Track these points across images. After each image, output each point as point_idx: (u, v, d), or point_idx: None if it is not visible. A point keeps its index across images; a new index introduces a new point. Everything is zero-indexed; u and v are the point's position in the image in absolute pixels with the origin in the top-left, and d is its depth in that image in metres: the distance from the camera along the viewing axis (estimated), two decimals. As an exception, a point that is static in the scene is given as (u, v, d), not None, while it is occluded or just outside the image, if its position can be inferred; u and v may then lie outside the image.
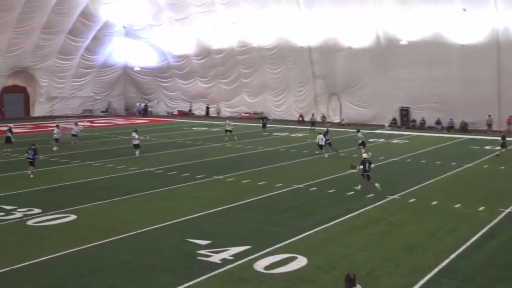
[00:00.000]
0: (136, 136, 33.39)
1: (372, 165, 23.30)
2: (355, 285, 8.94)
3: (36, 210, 19.12)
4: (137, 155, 32.69)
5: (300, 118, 57.57)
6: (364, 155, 24.15)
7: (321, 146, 33.74)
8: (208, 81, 66.38)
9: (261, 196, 21.78)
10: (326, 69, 56.62)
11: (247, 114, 63.39)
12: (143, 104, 69.35)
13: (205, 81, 66.64)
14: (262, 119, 49.35)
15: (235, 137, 40.95)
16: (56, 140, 36.01)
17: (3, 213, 18.70)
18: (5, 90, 60.65)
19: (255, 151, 35.69)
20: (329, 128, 41.31)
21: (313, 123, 50.59)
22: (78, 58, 64.21)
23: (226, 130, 42.04)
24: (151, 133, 45.89)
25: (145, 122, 57.80)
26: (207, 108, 66.54)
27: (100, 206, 20.15)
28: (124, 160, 31.34)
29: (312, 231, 16.78)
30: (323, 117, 57.43)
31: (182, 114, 67.20)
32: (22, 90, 62.60)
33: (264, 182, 24.61)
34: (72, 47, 62.49)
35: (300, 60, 58.07)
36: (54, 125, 38.21)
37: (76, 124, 39.37)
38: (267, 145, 37.95)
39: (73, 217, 18.36)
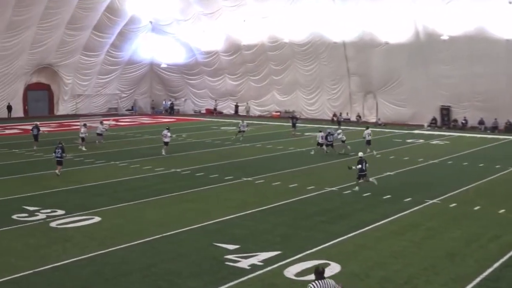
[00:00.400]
0: (169, 134, 34.22)
1: (368, 165, 23.79)
2: (323, 278, 9.54)
3: (60, 212, 19.41)
4: (163, 153, 33.26)
5: (334, 118, 57.30)
6: (360, 154, 24.64)
7: (320, 144, 34.71)
8: (237, 78, 66.55)
9: (292, 199, 21.74)
10: (362, 65, 56.25)
11: (278, 113, 63.37)
12: (169, 102, 69.87)
13: (234, 78, 66.83)
14: (292, 118, 49.36)
15: (240, 138, 41.03)
16: (83, 139, 36.56)
17: (26, 214, 19.04)
18: (29, 88, 61.74)
19: (286, 152, 35.64)
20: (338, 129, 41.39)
21: (339, 122, 50.44)
22: (103, 55, 65.02)
23: (240, 131, 42.05)
24: (178, 132, 46.19)
25: (172, 121, 58.22)
26: (236, 106, 66.70)
27: (125, 208, 20.36)
28: (150, 160, 31.62)
29: (345, 237, 16.68)
30: (358, 116, 57.08)
31: (210, 112, 67.49)
32: (46, 88, 63.67)
33: (295, 185, 24.56)
34: (97, 43, 63.29)
35: (334, 56, 57.80)
36: (82, 124, 38.76)
37: (101, 122, 39.91)
38: (299, 146, 37.87)
39: (97, 219, 18.59)
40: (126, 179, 25.97)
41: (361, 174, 23.58)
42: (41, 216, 18.87)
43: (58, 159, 26.90)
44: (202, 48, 66.80)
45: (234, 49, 64.61)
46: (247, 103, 65.86)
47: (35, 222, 18.10)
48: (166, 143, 34.09)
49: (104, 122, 41.31)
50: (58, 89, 63.98)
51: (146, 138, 42.75)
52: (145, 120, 60.85)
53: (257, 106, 66.04)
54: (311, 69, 60.22)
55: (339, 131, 37.39)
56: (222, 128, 51.23)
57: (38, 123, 38.99)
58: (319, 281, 9.51)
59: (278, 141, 40.65)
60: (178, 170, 28.29)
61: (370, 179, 23.64)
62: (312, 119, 59.06)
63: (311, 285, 9.45)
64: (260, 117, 63.10)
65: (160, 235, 16.66)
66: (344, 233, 16.98)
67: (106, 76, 67.25)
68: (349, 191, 23.22)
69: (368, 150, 34.41)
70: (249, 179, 25.91)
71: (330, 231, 17.24)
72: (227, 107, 68.66)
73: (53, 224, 17.85)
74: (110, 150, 36.00)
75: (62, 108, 64.37)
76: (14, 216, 18.73)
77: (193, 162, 30.76)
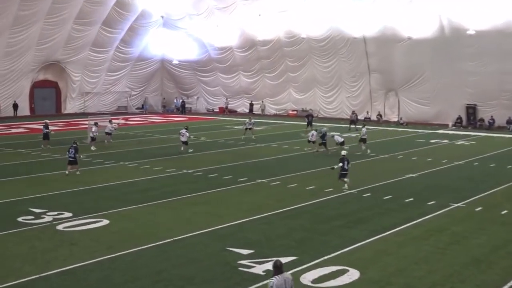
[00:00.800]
0: (187, 134, 34.85)
1: (350, 165, 24.26)
2: (282, 272, 9.89)
3: (67, 214, 19.54)
4: (182, 150, 34.30)
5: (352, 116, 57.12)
6: (343, 152, 25.19)
7: (311, 142, 35.48)
8: (252, 75, 66.61)
9: (309, 202, 21.72)
10: (383, 62, 56.05)
11: (295, 112, 63.33)
12: (181, 101, 70.05)
13: (249, 76, 66.91)
14: (307, 116, 49.44)
15: (253, 136, 41.33)
16: (93, 139, 36.73)
17: (31, 217, 19.19)
18: (35, 85, 62.22)
19: (303, 152, 35.61)
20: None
21: (352, 121, 50.24)
22: (112, 51, 65.39)
23: (246, 129, 42.26)
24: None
25: (184, 120, 58.41)
26: (251, 105, 66.71)
27: (134, 210, 20.46)
28: (161, 160, 31.75)
29: (365, 242, 16.63)
30: (379, 115, 56.89)
31: (223, 111, 67.57)
32: (53, 85, 64.16)
33: (312, 187, 24.54)
34: (107, 38, 63.66)
35: (353, 52, 57.67)
36: (92, 122, 39.01)
37: (110, 121, 40.12)
38: (317, 146, 37.76)
39: (106, 222, 18.69)
40: (135, 181, 26.10)
41: (343, 173, 24.05)
42: (47, 218, 19.01)
43: (70, 159, 27.29)
44: (215, 44, 66.93)
45: (249, 44, 64.66)
46: (262, 102, 65.87)
47: (41, 225, 18.23)
48: (184, 143, 34.67)
49: (113, 121, 41.50)
50: (66, 87, 64.42)
51: (157, 137, 42.91)
52: (156, 119, 61.10)
53: (273, 104, 66.05)
54: (330, 65, 60.13)
55: (335, 133, 37.32)
56: (236, 127, 51.29)
57: (48, 121, 39.30)
58: (279, 275, 9.86)
59: (295, 141, 40.61)
60: (189, 171, 28.37)
61: (346, 185, 23.95)
62: (331, 118, 58.95)
63: (271, 280, 9.79)
64: (276, 116, 63.10)
65: (171, 239, 16.72)
66: (363, 238, 16.92)
67: (116, 73, 67.64)
68: (368, 194, 23.15)
69: (363, 147, 35.27)
70: (264, 180, 25.92)
71: (349, 236, 17.19)
72: (241, 105, 68.72)
73: (60, 227, 17.97)
74: (120, 150, 36.19)
75: (70, 106, 64.81)
76: (20, 219, 18.89)
77: (206, 163, 30.84)
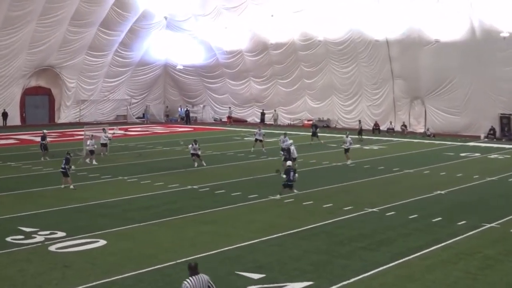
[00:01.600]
0: (197, 147, 35.30)
1: (297, 175, 25.80)
2: (197, 273, 10.69)
3: (60, 234, 19.56)
4: (196, 166, 34.61)
5: (375, 127, 57.10)
6: (289, 163, 26.82)
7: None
8: (264, 81, 66.80)
9: (326, 222, 21.64)
10: (408, 67, 56.00)
11: (311, 122, 63.28)
12: (185, 109, 70.25)
13: (260, 82, 67.10)
14: (312, 126, 49.66)
15: (263, 150, 41.07)
16: (92, 152, 36.75)
17: (21, 236, 19.23)
18: (27, 92, 62.72)
19: (320, 167, 35.57)
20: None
21: (360, 131, 50.51)
22: (111, 55, 65.83)
23: (257, 140, 42.45)
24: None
25: (188, 131, 58.56)
26: (262, 114, 66.84)
27: (134, 229, 20.47)
28: (163, 175, 31.79)
29: (388, 266, 16.54)
30: (403, 125, 56.79)
31: (233, 121, 67.63)
32: (46, 92, 64.66)
33: (330, 205, 24.47)
34: (105, 41, 64.10)
35: (375, 56, 57.70)
36: (89, 134, 39.16)
37: (104, 130, 40.18)
38: (334, 159, 37.75)
39: (102, 242, 18.70)
40: (135, 197, 26.12)
41: (288, 184, 25.56)
42: (38, 238, 19.04)
43: (61, 170, 27.87)
44: (223, 47, 67.23)
45: (261, 48, 64.88)
46: (274, 111, 65.96)
47: (32, 246, 18.26)
48: (195, 155, 35.02)
49: (108, 130, 41.51)
50: (60, 94, 64.86)
51: (159, 150, 43.01)
52: (158, 129, 61.31)
53: (287, 113, 66.15)
54: (349, 71, 60.17)
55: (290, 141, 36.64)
56: (246, 139, 51.30)
57: (45, 131, 39.44)
58: (193, 277, 10.64)
59: (311, 154, 40.56)
60: (195, 186, 28.38)
61: (295, 191, 25.65)
62: (350, 128, 58.87)
63: (185, 282, 10.55)
64: (290, 126, 63.14)
65: (174, 262, 16.69)
66: (386, 262, 16.82)
67: (114, 79, 68.06)
68: (392, 213, 23.05)
69: (348, 162, 36.14)
70: (276, 197, 25.87)
71: (370, 259, 17.10)
72: (251, 114, 68.89)
73: (52, 248, 17.99)
74: (118, 163, 36.28)
75: (64, 115, 65.25)
76: (8, 239, 18.93)
77: (212, 177, 30.84)
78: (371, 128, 57.71)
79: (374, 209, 23.63)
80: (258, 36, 64.31)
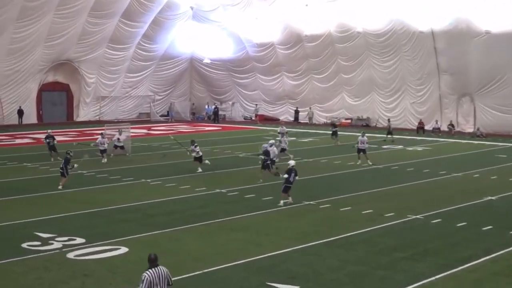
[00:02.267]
0: (196, 149, 34.42)
1: (297, 177, 25.42)
2: (157, 266, 11.83)
3: (79, 240, 19.76)
4: (200, 170, 33.81)
5: (420, 126, 56.69)
6: (291, 162, 25.92)
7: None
8: (298, 77, 66.73)
9: (365, 229, 21.56)
10: (455, 61, 55.54)
11: (349, 121, 63.12)
12: (213, 107, 70.45)
13: (293, 77, 67.05)
14: (331, 125, 49.56)
15: (290, 155, 40.10)
16: (102, 151, 37.23)
17: (38, 242, 19.46)
18: (44, 88, 63.36)
19: (359, 169, 35.46)
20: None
21: (389, 131, 50.33)
22: (133, 48, 66.26)
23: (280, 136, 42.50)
24: (223, 144, 46.56)
25: (216, 130, 58.71)
26: (296, 112, 66.75)
27: (158, 236, 20.59)
28: (189, 178, 31.95)
29: (432, 278, 16.42)
30: (451, 125, 56.30)
31: (263, 119, 67.71)
32: (64, 88, 65.27)
33: (369, 211, 24.38)
34: (127, 33, 64.53)
35: (420, 49, 57.34)
36: (103, 132, 39.57)
37: (119, 131, 40.34)
38: (375, 162, 37.57)
39: (124, 249, 18.85)
40: (159, 201, 26.28)
41: (288, 186, 25.14)
42: (56, 245, 19.25)
43: (60, 170, 28.93)
44: (254, 40, 67.30)
45: (294, 40, 64.83)
46: (310, 108, 65.83)
47: (49, 252, 18.46)
48: (197, 159, 34.44)
49: (123, 130, 41.43)
50: (79, 90, 65.44)
51: (184, 150, 43.12)
52: (184, 128, 61.55)
53: (322, 111, 65.97)
54: (391, 65, 59.87)
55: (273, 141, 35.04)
56: (278, 138, 51.17)
57: (50, 131, 39.72)
58: (153, 269, 11.79)
59: (349, 155, 40.44)
60: (223, 190, 28.46)
61: (289, 199, 25.24)
62: (392, 128, 58.40)
63: (145, 273, 11.67)
64: (326, 125, 62.96)
65: (200, 271, 16.76)
66: (431, 274, 16.71)
67: (137, 75, 68.49)
68: (438, 220, 22.89)
69: (359, 162, 36.26)
70: (311, 203, 25.84)
71: (414, 271, 17.01)
72: (284, 112, 68.83)
73: (70, 255, 18.18)
74: (141, 165, 36.53)
75: (83, 113, 65.79)
76: (24, 245, 19.17)
77: (242, 181, 30.88)
78: (415, 128, 57.32)
79: (418, 216, 23.48)
80: (291, 28, 64.25)
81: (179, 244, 19.69)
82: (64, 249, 18.75)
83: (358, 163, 36.60)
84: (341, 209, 24.73)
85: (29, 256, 18.08)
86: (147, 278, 11.60)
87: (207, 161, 34.57)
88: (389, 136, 49.69)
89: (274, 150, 32.77)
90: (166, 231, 21.17)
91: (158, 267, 11.87)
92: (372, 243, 19.85)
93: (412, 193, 28.63)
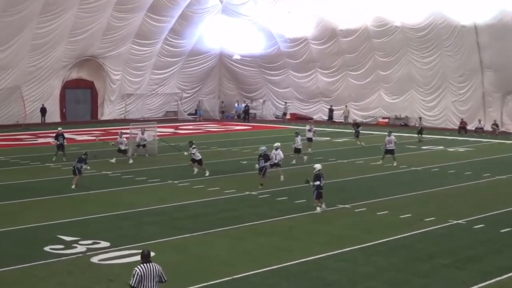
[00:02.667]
0: (193, 151, 33.77)
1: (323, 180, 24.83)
2: (149, 262, 12.45)
3: (104, 243, 19.93)
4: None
5: (461, 126, 56.24)
6: (317, 166, 25.17)
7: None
8: (333, 73, 66.58)
9: (404, 235, 21.48)
10: (500, 56, 55.09)
11: (386, 120, 62.81)
12: (243, 105, 70.53)
13: (328, 74, 66.91)
14: (354, 125, 49.41)
15: (304, 157, 39.25)
16: (123, 151, 37.41)
17: (61, 246, 19.65)
18: (67, 85, 63.85)
19: (397, 171, 35.31)
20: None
21: (420, 130, 50.03)
22: (160, 43, 66.56)
23: (309, 139, 43.04)
24: (254, 144, 46.55)
25: (246, 129, 58.78)
26: (330, 110, 66.57)
27: (185, 240, 20.68)
28: (218, 179, 32.04)
29: (475, 287, 16.31)
30: (495, 124, 55.75)
31: (296, 118, 67.65)
32: (88, 85, 65.72)
33: (408, 215, 24.27)
34: (153, 28, 64.82)
35: (462, 44, 56.95)
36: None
37: (143, 131, 40.46)
38: (414, 163, 37.41)
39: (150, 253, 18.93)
40: (186, 204, 26.39)
41: (320, 192, 24.59)
42: (80, 248, 19.42)
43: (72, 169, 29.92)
44: (286, 35, 67.25)
45: (329, 35, 64.68)
46: (346, 107, 65.51)
47: (72, 256, 18.64)
48: (196, 161, 33.64)
49: (146, 130, 41.53)
50: (104, 87, 65.87)
51: (213, 151, 43.31)
52: (212, 127, 61.70)
53: (358, 110, 65.73)
54: (431, 61, 59.50)
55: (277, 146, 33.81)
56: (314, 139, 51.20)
57: (60, 129, 40.03)
58: (145, 264, 12.41)
59: (387, 156, 40.26)
60: (253, 193, 28.51)
61: (323, 205, 24.86)
62: (432, 128, 58.12)
63: (136, 268, 12.31)
64: (362, 125, 62.70)
65: (230, 277, 16.81)
66: (474, 282, 16.60)
67: (164, 71, 68.77)
68: (481, 225, 22.71)
69: (380, 162, 36.22)
70: (346, 206, 25.79)
71: (455, 279, 16.92)
72: (318, 111, 68.68)
73: (94, 259, 18.33)
74: (167, 165, 36.70)
75: (108, 111, 66.17)
76: (47, 248, 19.37)
77: (273, 183, 30.85)
78: (456, 128, 56.88)
79: (459, 221, 23.35)
80: (325, 22, 64.10)
81: (207, 248, 19.75)
82: (88, 253, 18.91)
83: (379, 163, 36.95)
84: (378, 213, 24.66)
85: (52, 260, 18.25)
86: (138, 273, 12.20)
87: (195, 169, 33.69)
88: (419, 135, 49.62)
89: (279, 154, 31.95)
90: (194, 234, 21.27)
91: (151, 263, 12.47)
92: (411, 249, 19.77)
93: (453, 196, 28.44)
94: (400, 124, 61.40)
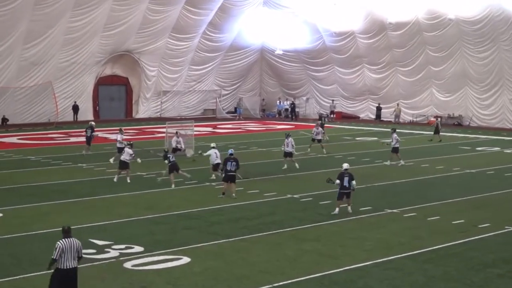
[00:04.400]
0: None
1: (354, 182, 24.74)
2: (70, 237, 14.12)
3: (137, 248, 20.05)
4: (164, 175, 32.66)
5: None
6: (345, 165, 25.29)
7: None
8: (381, 69, 66.31)
9: (456, 242, 21.31)
10: (562, 51, 54.35)
11: (438, 118, 62.26)
12: (288, 102, 70.41)
13: (376, 70, 66.65)
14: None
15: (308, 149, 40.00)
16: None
17: (93, 250, 19.80)
18: (101, 82, 64.42)
19: (449, 174, 35.05)
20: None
21: (437, 129, 49.63)
22: (198, 38, 66.81)
23: (313, 139, 42.71)
24: (297, 144, 46.44)
25: (288, 129, 58.69)
26: (378, 109, 66.23)
27: (222, 246, 20.71)
28: (257, 181, 32.10)
29: (535, 299, 16.12)
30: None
31: (342, 117, 67.46)
32: (123, 82, 66.25)
33: (461, 221, 24.07)
34: (191, 22, 65.08)
35: (520, 38, 56.32)
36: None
37: (177, 134, 40.24)
38: (468, 165, 37.10)
39: (186, 259, 19.01)
40: (224, 207, 26.44)
41: (343, 193, 24.75)
42: (112, 253, 19.58)
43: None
44: (331, 28, 67.07)
45: (377, 28, 64.40)
46: (397, 105, 65.00)
47: (105, 262, 18.80)
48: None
49: (181, 131, 41.28)
50: (139, 84, 66.34)
51: (253, 151, 43.33)
52: (253, 126, 61.75)
53: (409, 108, 65.32)
54: (487, 56, 58.94)
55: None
56: (358, 138, 50.97)
57: (93, 123, 40.42)
58: (66, 239, 14.07)
59: (438, 158, 39.93)
60: (295, 196, 28.47)
61: (349, 207, 25.03)
62: (487, 127, 57.50)
63: (58, 242, 14.00)
64: (412, 124, 62.36)
65: (270, 285, 16.80)
66: (533, 294, 16.41)
67: (202, 67, 69.03)
68: (540, 233, 22.41)
69: (388, 162, 36.61)
70: (394, 211, 25.64)
71: (512, 290, 16.72)
72: (365, 109, 68.43)
73: (127, 265, 18.46)
74: (204, 166, 36.82)
75: (143, 109, 66.63)
76: (78, 253, 19.59)
77: (317, 185, 30.72)
78: (514, 127, 56.40)
79: (516, 228, 23.08)
80: (373, 14, 63.83)
81: (245, 254, 19.76)
82: (121, 258, 19.05)
83: (387, 163, 37.57)
84: (429, 219, 24.50)
85: (83, 265, 18.35)
86: (60, 247, 13.93)
87: (187, 174, 33.28)
88: (435, 135, 48.94)
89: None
90: (231, 240, 21.30)
91: (71, 238, 14.19)
92: (464, 258, 19.61)
93: (510, 201, 28.15)
94: (453, 123, 60.86)
